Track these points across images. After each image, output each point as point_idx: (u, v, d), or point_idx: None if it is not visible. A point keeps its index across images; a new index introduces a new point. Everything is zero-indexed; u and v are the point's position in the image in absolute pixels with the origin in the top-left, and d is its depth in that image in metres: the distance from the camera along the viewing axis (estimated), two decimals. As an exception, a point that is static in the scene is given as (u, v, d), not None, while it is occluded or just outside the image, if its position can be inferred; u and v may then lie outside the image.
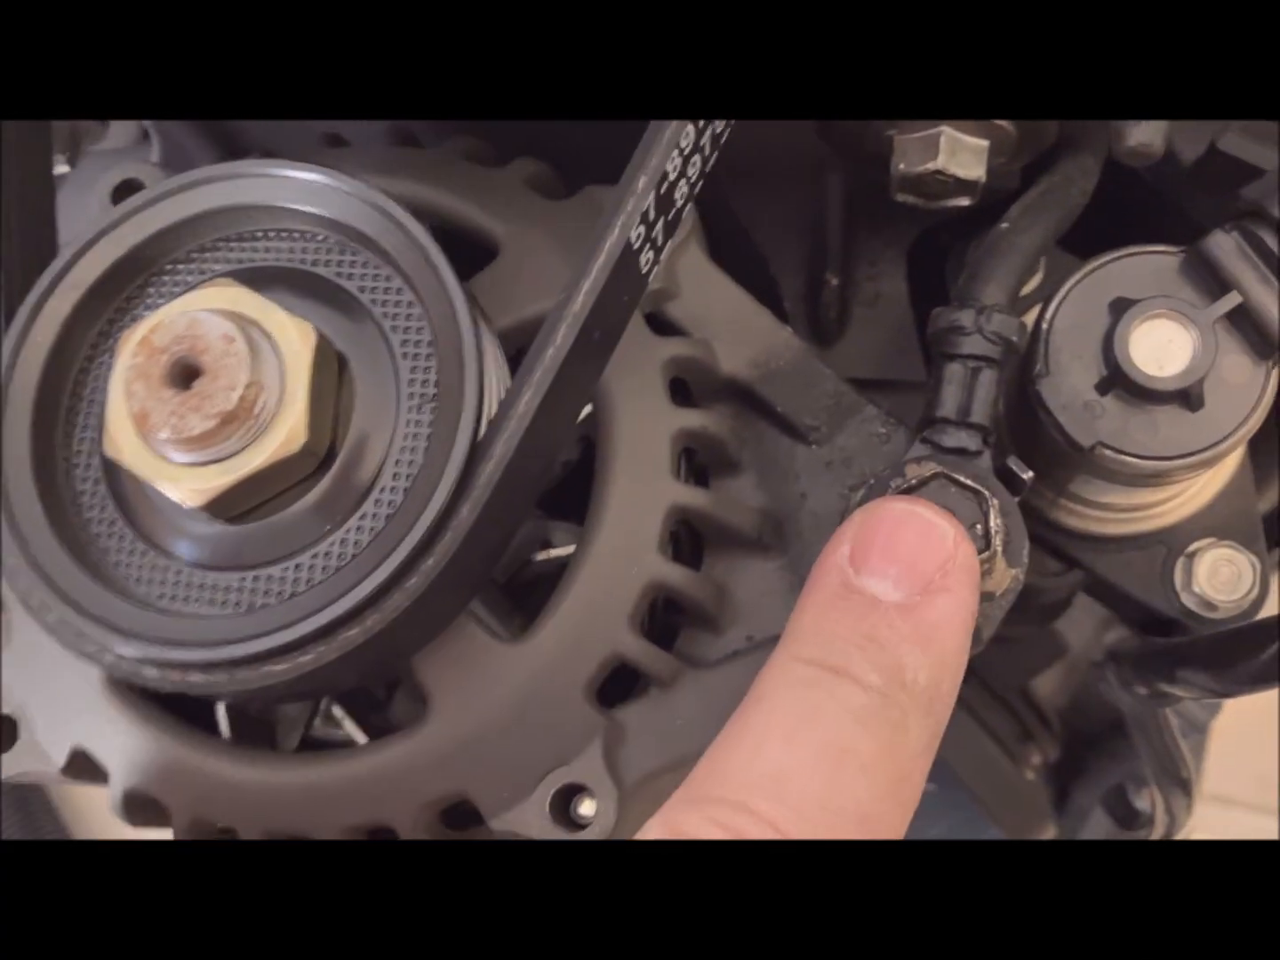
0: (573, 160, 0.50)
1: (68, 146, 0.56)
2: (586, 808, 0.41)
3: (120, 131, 0.57)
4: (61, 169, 0.56)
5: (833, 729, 0.34)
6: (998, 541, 0.42)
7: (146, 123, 0.56)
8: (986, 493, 0.42)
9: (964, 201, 0.49)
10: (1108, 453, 0.45)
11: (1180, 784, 0.67)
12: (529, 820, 0.41)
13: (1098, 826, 0.93)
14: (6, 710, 0.46)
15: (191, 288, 0.41)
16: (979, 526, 0.42)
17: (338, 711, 0.47)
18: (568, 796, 0.42)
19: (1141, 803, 0.81)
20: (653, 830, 0.33)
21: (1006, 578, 0.43)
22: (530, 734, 0.41)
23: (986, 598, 0.43)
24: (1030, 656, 0.74)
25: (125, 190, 0.51)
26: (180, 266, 0.42)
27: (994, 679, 0.72)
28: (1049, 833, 0.73)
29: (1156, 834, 0.73)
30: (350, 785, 0.42)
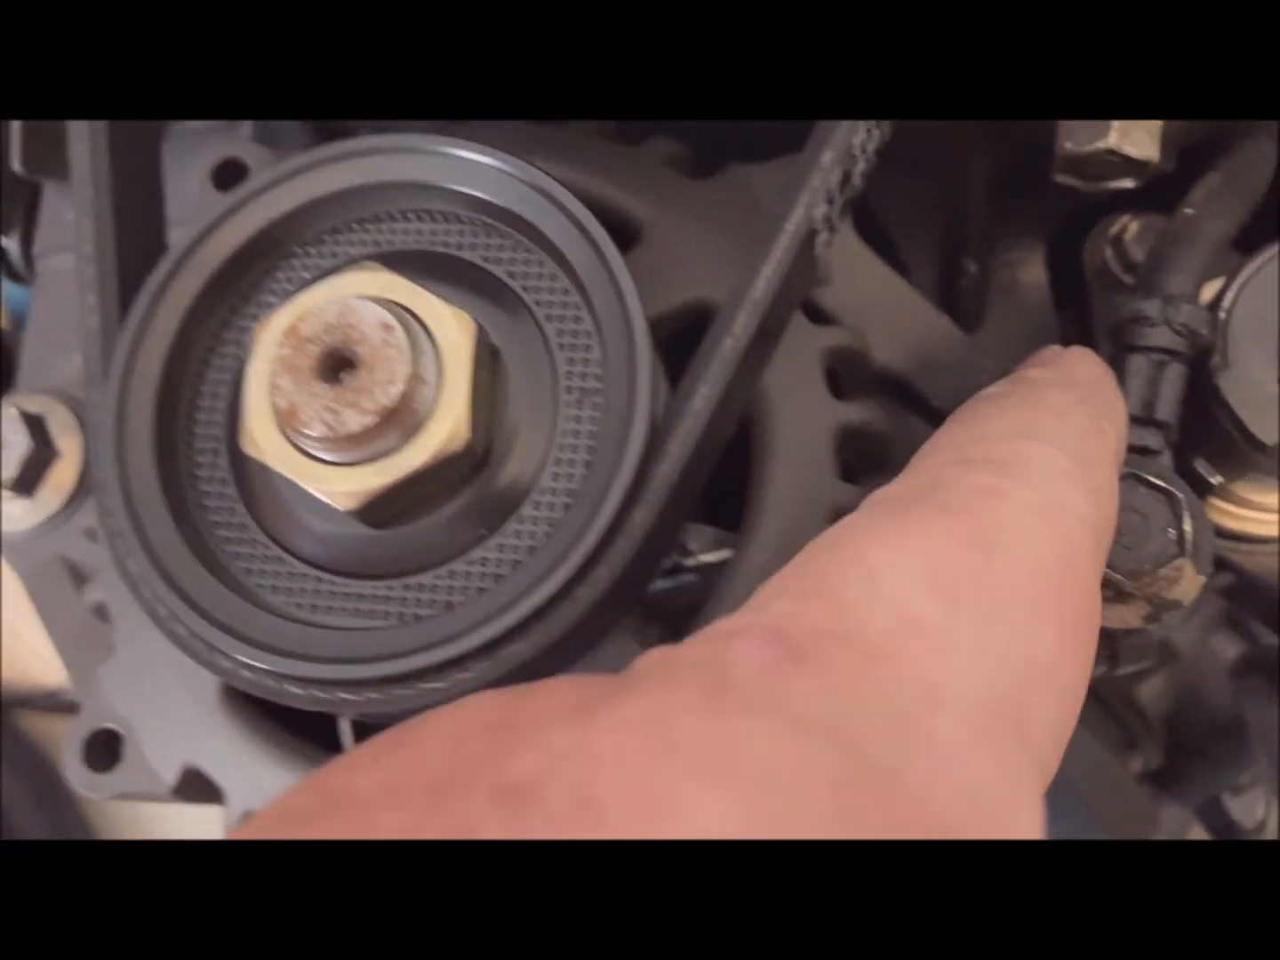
0: (704, 136, 0.47)
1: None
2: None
3: (207, 109, 0.54)
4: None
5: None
6: (1190, 546, 0.39)
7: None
8: (1180, 495, 0.39)
9: (1128, 184, 0.46)
10: (1293, 450, 0.42)
11: (1300, 795, 0.65)
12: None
13: (1172, 821, 0.90)
14: (110, 725, 0.43)
15: (324, 273, 0.38)
16: (1172, 530, 0.39)
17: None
18: None
19: (1238, 814, 0.78)
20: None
21: (1195, 585, 0.40)
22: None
23: (1172, 606, 0.40)
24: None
25: (226, 170, 0.47)
26: (311, 250, 0.39)
27: (1102, 686, 0.69)
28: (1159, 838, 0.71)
29: (1266, 845, 0.71)
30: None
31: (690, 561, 0.43)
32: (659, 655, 0.25)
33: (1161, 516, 0.39)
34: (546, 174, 0.37)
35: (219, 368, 0.39)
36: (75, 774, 0.44)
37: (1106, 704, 0.70)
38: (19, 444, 0.49)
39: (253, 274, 0.39)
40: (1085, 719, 0.68)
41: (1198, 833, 0.80)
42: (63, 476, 0.50)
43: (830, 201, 0.36)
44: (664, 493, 0.34)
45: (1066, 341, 0.54)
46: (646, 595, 0.45)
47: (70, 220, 0.41)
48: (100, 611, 0.46)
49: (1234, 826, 0.77)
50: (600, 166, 0.43)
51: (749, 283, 0.35)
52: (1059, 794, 0.69)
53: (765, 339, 0.36)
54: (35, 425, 0.49)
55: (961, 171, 0.50)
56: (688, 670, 0.24)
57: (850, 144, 0.35)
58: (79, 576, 0.47)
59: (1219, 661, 0.70)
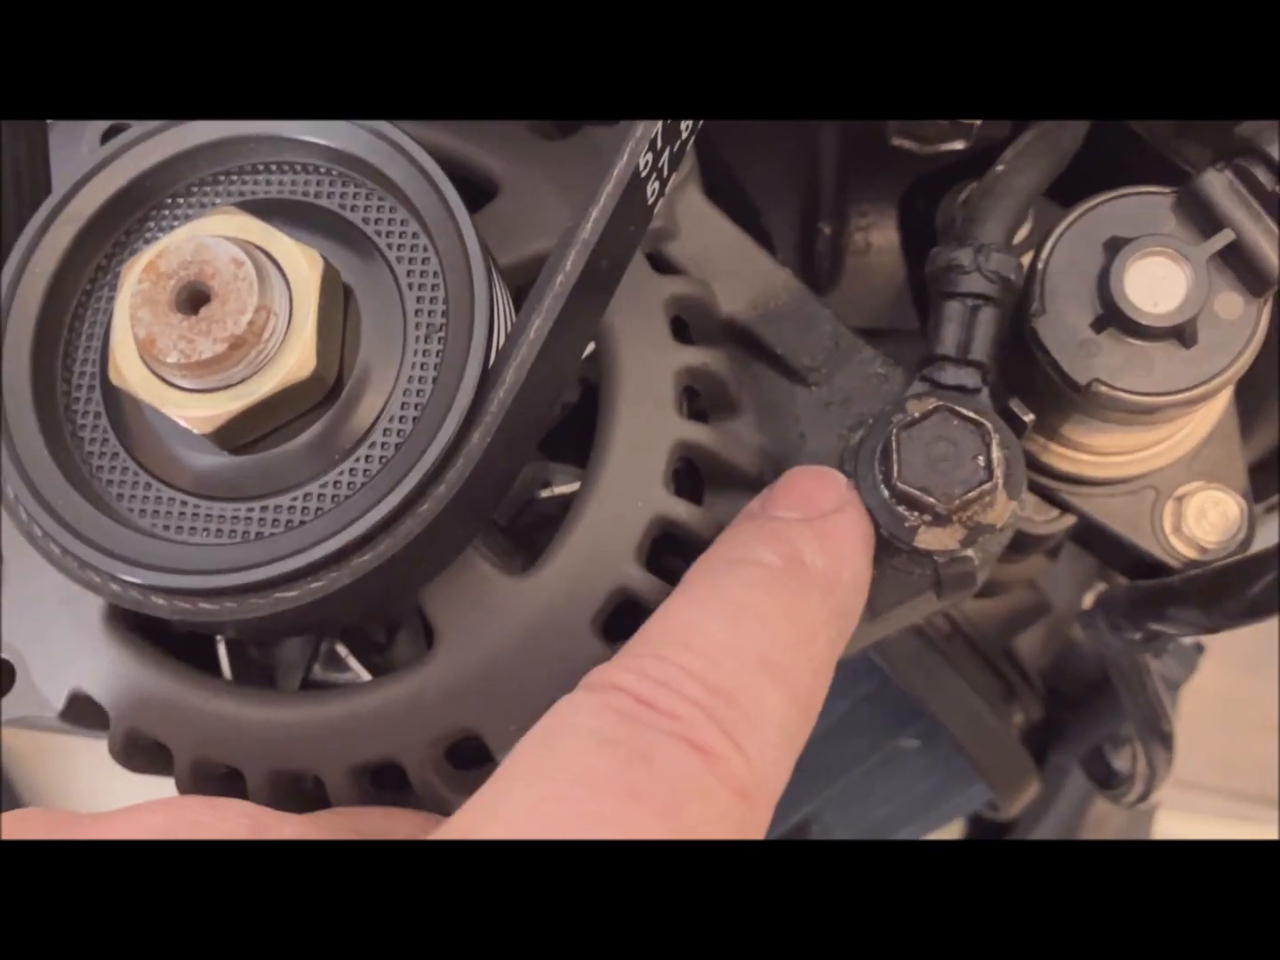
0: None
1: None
2: (593, 741, 0.41)
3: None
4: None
5: (735, 592, 0.38)
6: (999, 473, 0.42)
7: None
8: (988, 425, 0.43)
9: (958, 145, 0.49)
10: (1104, 389, 0.46)
11: (1162, 737, 0.68)
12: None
13: (1076, 786, 0.94)
14: (2, 655, 0.45)
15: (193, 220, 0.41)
16: (980, 458, 0.43)
17: (342, 650, 0.46)
18: None
19: (1120, 763, 0.82)
20: (581, 688, 0.36)
21: (1006, 510, 0.43)
22: (538, 667, 0.41)
23: (987, 530, 0.43)
24: (1014, 615, 0.74)
25: (115, 134, 0.50)
26: (180, 200, 0.42)
27: (978, 638, 0.72)
28: (1034, 788, 0.74)
29: (1137, 789, 0.74)
30: (356, 721, 0.41)
31: (544, 494, 0.46)
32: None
33: (971, 445, 0.43)
34: (392, 124, 0.40)
35: (95, 310, 0.42)
36: (-34, 704, 0.46)
37: (985, 657, 0.73)
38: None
39: (127, 223, 0.42)
40: (964, 671, 0.72)
41: (1076, 782, 0.83)
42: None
43: (654, 151, 0.39)
44: (499, 416, 0.37)
45: (920, 300, 0.57)
46: (512, 529, 0.48)
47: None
48: (-9, 550, 0.48)
49: (1115, 775, 0.81)
50: (461, 125, 0.46)
51: (578, 224, 0.38)
52: (936, 745, 0.72)
53: (599, 279, 0.39)
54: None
55: (814, 137, 0.53)
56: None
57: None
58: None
59: (1091, 615, 0.73)
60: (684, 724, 0.33)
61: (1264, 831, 1.64)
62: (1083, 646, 0.79)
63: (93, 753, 0.46)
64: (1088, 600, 0.77)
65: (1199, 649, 0.84)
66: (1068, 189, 0.51)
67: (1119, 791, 0.79)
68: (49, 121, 0.53)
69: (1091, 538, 0.57)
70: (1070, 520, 0.55)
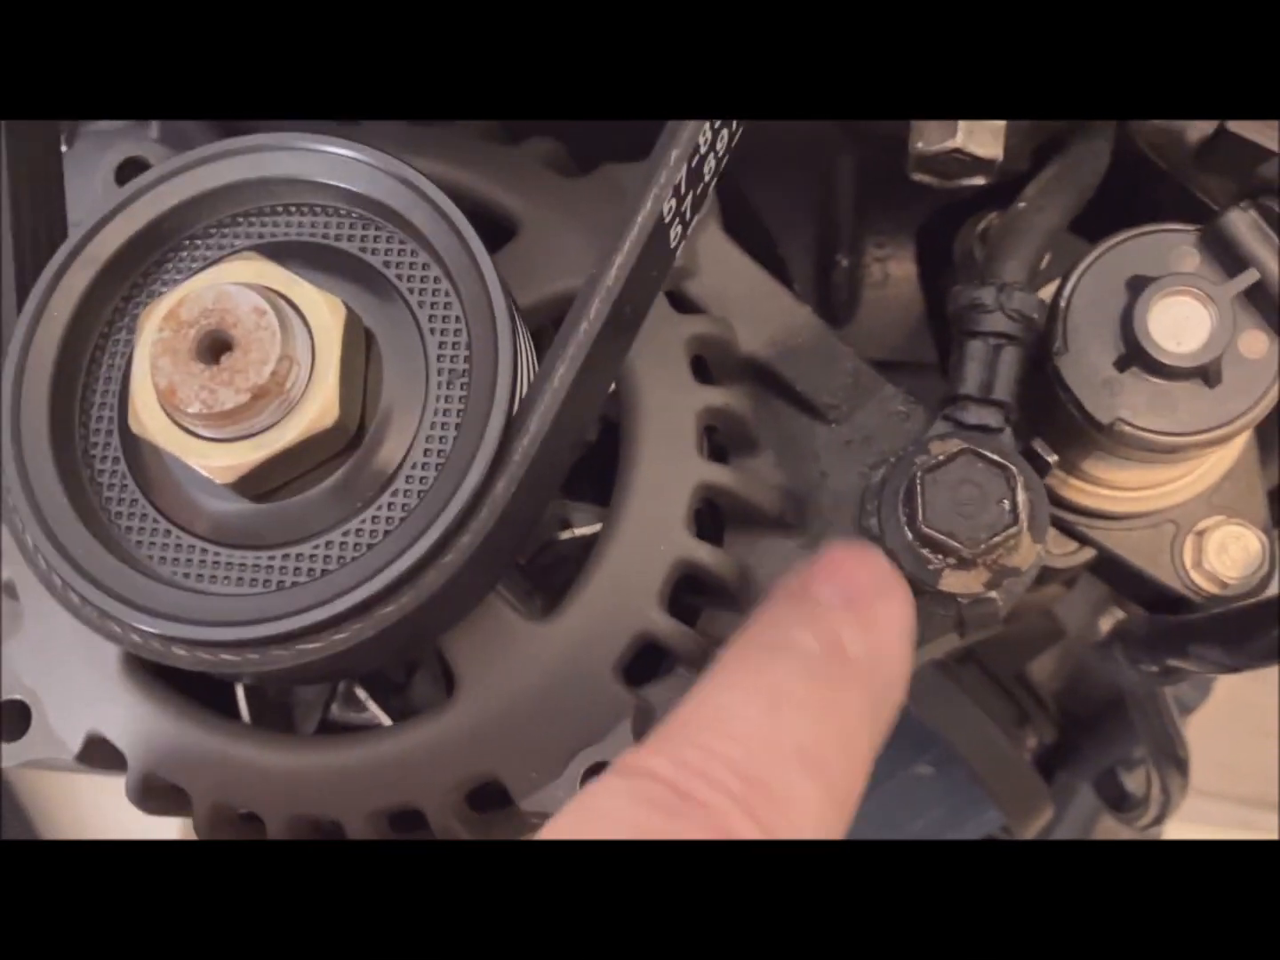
0: (582, 137, 0.50)
1: (64, 125, 0.55)
2: (616, 787, 0.41)
3: (118, 111, 0.56)
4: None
5: (774, 679, 0.37)
6: (1024, 517, 0.42)
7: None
8: (1013, 468, 0.42)
9: (979, 181, 0.49)
10: (1127, 429, 0.45)
11: (1177, 763, 0.68)
12: (558, 800, 0.41)
13: (1084, 805, 0.94)
14: (18, 696, 0.45)
15: (211, 263, 0.41)
16: (1005, 502, 0.42)
17: (361, 694, 0.46)
18: (597, 776, 0.41)
19: (1132, 785, 0.82)
20: (612, 773, 0.35)
21: (1032, 553, 0.43)
22: (560, 713, 0.41)
23: (1011, 573, 0.43)
24: (1028, 640, 0.74)
25: (129, 168, 0.50)
26: (199, 242, 0.41)
27: (992, 662, 0.72)
28: (1048, 814, 0.74)
29: (1151, 813, 0.74)
30: (377, 767, 0.41)
31: (565, 535, 0.46)
32: None
33: (996, 489, 0.42)
34: (414, 169, 0.39)
35: (113, 353, 0.41)
36: (-16, 744, 0.46)
37: (999, 682, 0.73)
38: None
39: (144, 265, 0.41)
40: (977, 696, 0.72)
41: (1083, 800, 0.83)
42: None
43: (678, 196, 0.38)
44: (524, 465, 0.37)
45: (939, 332, 0.57)
46: (531, 569, 0.47)
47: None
48: (10, 590, 0.48)
49: (1128, 798, 0.81)
50: (480, 165, 0.46)
51: (602, 271, 0.37)
52: (951, 771, 0.72)
53: (622, 324, 0.39)
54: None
55: (831, 170, 0.53)
56: None
57: (697, 143, 0.38)
58: (-11, 558, 0.49)
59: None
60: (719, 816, 0.33)
61: (1266, 837, 1.63)
62: (1097, 670, 0.79)
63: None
64: (1104, 625, 0.77)
65: (1212, 672, 0.84)
66: (1089, 221, 0.51)
67: (1133, 814, 0.79)
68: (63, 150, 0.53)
69: (1111, 571, 0.56)
70: (1089, 554, 0.55)
